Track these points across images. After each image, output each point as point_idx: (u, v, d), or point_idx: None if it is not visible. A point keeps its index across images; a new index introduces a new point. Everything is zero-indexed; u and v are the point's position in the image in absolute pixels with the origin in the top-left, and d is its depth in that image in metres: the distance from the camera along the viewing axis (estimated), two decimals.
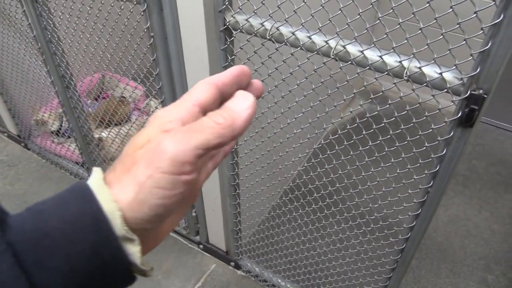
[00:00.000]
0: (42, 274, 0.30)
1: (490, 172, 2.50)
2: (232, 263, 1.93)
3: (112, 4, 1.31)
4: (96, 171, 0.35)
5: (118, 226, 0.32)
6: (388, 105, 0.97)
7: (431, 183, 1.04)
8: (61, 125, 2.35)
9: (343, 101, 1.03)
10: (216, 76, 0.39)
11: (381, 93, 0.96)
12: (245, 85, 0.42)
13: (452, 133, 0.92)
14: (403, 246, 1.23)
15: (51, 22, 1.60)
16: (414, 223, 1.15)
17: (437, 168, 1.00)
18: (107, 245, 0.32)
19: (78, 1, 1.42)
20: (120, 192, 0.33)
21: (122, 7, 1.29)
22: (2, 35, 1.99)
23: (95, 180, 0.34)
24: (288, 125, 1.20)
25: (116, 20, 1.35)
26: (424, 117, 0.94)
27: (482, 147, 2.66)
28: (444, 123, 0.92)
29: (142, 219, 0.33)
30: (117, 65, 1.57)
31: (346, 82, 0.98)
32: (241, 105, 0.37)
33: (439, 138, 0.95)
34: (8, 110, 2.45)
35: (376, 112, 1.00)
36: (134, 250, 0.33)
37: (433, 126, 0.95)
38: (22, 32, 1.92)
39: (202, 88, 0.38)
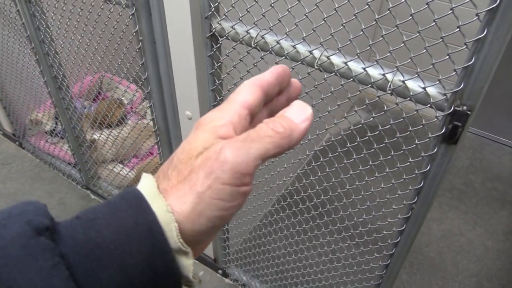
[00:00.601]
0: (95, 286, 0.29)
1: (486, 187, 2.46)
2: (220, 271, 1.91)
3: (102, 7, 1.30)
4: (148, 178, 0.34)
5: (174, 238, 0.31)
6: (372, 118, 0.95)
7: (415, 199, 1.01)
8: (55, 126, 2.34)
9: (326, 113, 1.01)
10: (261, 76, 0.39)
11: (365, 106, 0.94)
12: (286, 85, 0.41)
13: (436, 149, 0.90)
14: (388, 261, 1.20)
15: (43, 23, 1.59)
16: (399, 239, 1.13)
17: (421, 184, 0.98)
18: (161, 258, 0.31)
19: (69, 2, 1.42)
20: (177, 202, 0.32)
21: (112, 10, 1.28)
22: None
23: (149, 188, 0.33)
24: None
25: (106, 23, 1.34)
26: (408, 132, 0.92)
27: (479, 161, 2.63)
28: (428, 139, 0.90)
29: (199, 231, 0.32)
30: (108, 67, 1.56)
31: (330, 94, 0.97)
32: (300, 115, 0.36)
33: (423, 154, 0.93)
34: (3, 108, 2.45)
35: (360, 126, 0.98)
36: (187, 263, 0.32)
37: (417, 141, 0.93)
38: (17, 31, 1.92)
39: (248, 90, 0.37)
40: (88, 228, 0.30)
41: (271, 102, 0.41)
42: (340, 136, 1.05)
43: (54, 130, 2.35)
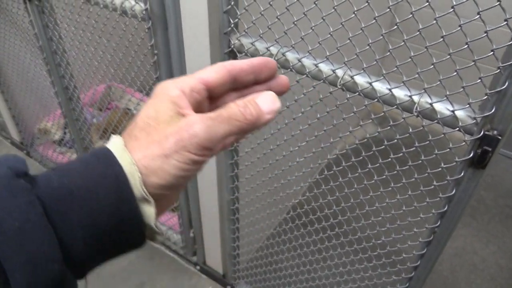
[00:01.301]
0: (66, 227, 0.32)
1: (499, 204, 2.42)
2: (229, 287, 1.87)
3: (117, 19, 1.29)
4: (117, 137, 0.37)
5: (138, 187, 0.35)
6: (396, 140, 0.92)
7: (438, 223, 0.98)
8: (64, 135, 2.32)
9: (348, 132, 0.99)
10: (233, 61, 0.41)
11: (389, 127, 0.92)
12: (264, 78, 0.43)
13: (462, 174, 0.87)
14: (406, 285, 1.17)
15: (56, 33, 1.58)
16: (419, 262, 1.09)
17: (445, 209, 0.95)
18: (125, 204, 0.34)
19: (84, 14, 1.40)
20: (147, 159, 0.35)
21: (127, 23, 1.27)
22: (9, 42, 1.98)
23: (117, 145, 0.36)
24: (290, 153, 1.15)
25: (121, 36, 1.33)
26: (434, 155, 0.89)
27: (491, 177, 2.59)
28: (455, 163, 0.87)
29: (164, 185, 0.35)
30: (121, 80, 1.54)
31: (353, 114, 0.94)
32: (269, 106, 0.38)
33: (448, 178, 0.90)
34: (12, 117, 2.43)
35: (383, 147, 0.95)
36: (150, 212, 0.36)
37: (442, 164, 0.90)
38: (29, 41, 1.91)
39: (213, 69, 0.40)
40: (62, 177, 0.34)
41: (246, 90, 0.43)
42: (361, 157, 1.02)
43: (62, 139, 2.34)
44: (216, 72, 0.39)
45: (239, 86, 0.42)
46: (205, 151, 0.36)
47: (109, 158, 0.35)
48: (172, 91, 0.38)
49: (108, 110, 2.57)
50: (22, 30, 1.89)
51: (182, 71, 1.23)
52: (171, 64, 1.24)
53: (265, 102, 0.38)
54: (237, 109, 0.37)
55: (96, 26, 1.39)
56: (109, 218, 0.34)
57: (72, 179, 0.34)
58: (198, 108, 0.40)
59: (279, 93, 0.43)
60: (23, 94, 2.26)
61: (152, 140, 0.36)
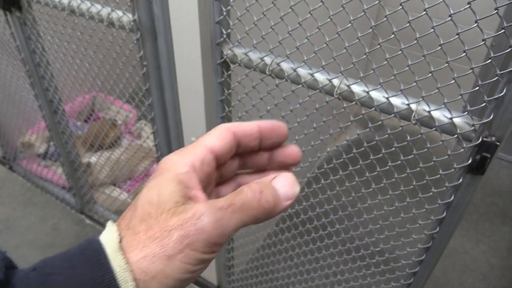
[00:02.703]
0: None
1: (486, 203, 2.46)
2: None
3: (104, 31, 1.26)
4: (111, 229, 0.32)
5: None
6: (393, 148, 0.92)
7: (437, 229, 0.98)
8: (48, 148, 2.27)
9: (345, 142, 0.98)
10: (239, 124, 0.36)
11: (387, 135, 0.91)
12: (272, 142, 0.38)
13: (461, 180, 0.87)
14: None
15: (40, 46, 1.54)
16: (418, 268, 1.09)
17: (444, 215, 0.94)
18: None
19: (68, 26, 1.37)
20: (146, 261, 0.30)
21: (115, 34, 1.24)
22: None
23: (110, 241, 0.31)
24: None
25: (108, 47, 1.30)
26: (432, 162, 0.89)
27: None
28: (453, 169, 0.87)
29: None
30: (108, 91, 1.51)
31: (350, 123, 0.93)
32: (288, 193, 0.34)
33: (447, 184, 0.90)
34: None
35: (381, 155, 0.95)
36: None
37: (441, 171, 0.90)
38: (10, 54, 1.86)
39: (219, 134, 0.35)
40: (43, 284, 0.29)
41: (250, 155, 0.39)
42: (359, 166, 1.01)
43: (47, 153, 2.28)
44: (222, 139, 0.35)
45: (242, 151, 0.37)
46: (215, 248, 0.31)
47: (99, 260, 0.30)
48: (180, 168, 0.33)
49: (94, 121, 2.52)
50: (2, 43, 1.84)
51: (173, 83, 1.21)
52: (161, 75, 1.21)
53: (283, 186, 0.34)
54: (252, 195, 0.32)
55: (81, 37, 1.36)
56: None
57: (53, 285, 0.29)
58: (207, 181, 0.35)
59: (286, 166, 0.39)
60: (5, 108, 2.20)
61: (153, 235, 0.31)
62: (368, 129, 0.93)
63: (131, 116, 2.58)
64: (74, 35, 1.37)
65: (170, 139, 1.38)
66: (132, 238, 0.31)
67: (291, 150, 0.39)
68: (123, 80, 1.36)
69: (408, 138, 0.88)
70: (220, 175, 0.38)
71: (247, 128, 0.36)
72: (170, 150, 1.41)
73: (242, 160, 0.39)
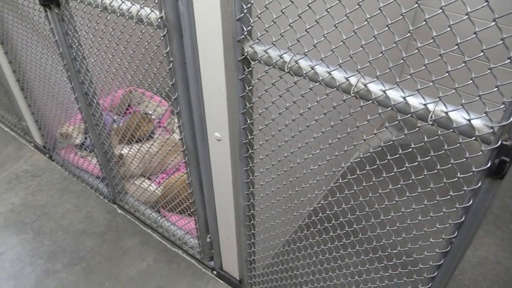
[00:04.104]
0: None
1: None
2: None
3: (133, 27, 1.30)
4: None
5: None
6: (411, 149, 0.90)
7: (456, 233, 0.96)
8: (84, 139, 2.37)
9: (362, 141, 0.97)
10: None
11: (404, 135, 0.90)
12: None
13: (480, 184, 0.85)
14: None
15: (76, 41, 1.61)
16: (436, 273, 1.07)
17: (463, 219, 0.92)
18: None
19: (101, 22, 1.43)
20: None
21: (143, 31, 1.28)
22: (31, 49, 2.03)
23: None
24: (305, 160, 1.14)
25: (137, 43, 1.34)
26: (450, 164, 0.87)
27: None
28: (472, 173, 0.85)
29: None
30: (139, 84, 1.56)
31: (366, 122, 0.93)
32: None
33: (465, 188, 0.87)
34: (35, 121, 2.49)
35: (398, 155, 0.93)
36: None
37: (459, 174, 0.87)
38: (50, 48, 1.95)
39: None
40: None
41: None
42: (376, 166, 1.00)
43: (83, 144, 2.38)
44: None
45: None
46: None
47: None
48: None
49: (128, 114, 2.61)
50: (43, 38, 1.94)
51: (197, 78, 1.24)
52: (186, 71, 1.24)
53: None
54: None
55: (113, 33, 1.41)
56: None
57: None
58: None
59: None
60: (45, 100, 2.31)
61: None
62: (385, 129, 0.92)
63: (166, 110, 2.65)
64: (107, 31, 1.43)
65: (194, 133, 1.41)
66: None
67: None
68: (151, 75, 1.40)
69: (426, 139, 0.87)
70: None
71: None
72: (195, 144, 1.44)
73: None
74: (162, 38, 1.20)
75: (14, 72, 2.25)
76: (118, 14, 1.28)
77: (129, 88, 2.61)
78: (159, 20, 1.17)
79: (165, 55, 1.23)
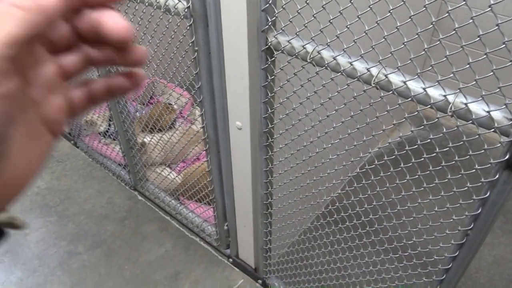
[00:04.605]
0: None
1: None
2: (260, 281, 1.90)
3: (161, 17, 1.34)
4: None
5: None
6: (429, 140, 0.92)
7: (472, 225, 0.97)
8: (108, 127, 2.43)
9: (382, 131, 0.99)
10: None
11: (422, 126, 0.91)
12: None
13: (497, 176, 0.86)
14: (437, 287, 1.15)
15: None
16: (451, 265, 1.08)
17: (479, 211, 0.93)
18: None
19: (130, 12, 1.47)
20: None
21: (170, 20, 1.32)
22: None
23: None
24: (324, 150, 1.17)
25: (164, 32, 1.38)
26: (468, 156, 0.88)
27: None
28: (490, 165, 0.86)
29: None
30: (163, 74, 1.60)
31: (386, 113, 0.94)
32: None
33: (482, 180, 0.89)
34: None
35: (416, 146, 0.95)
36: None
37: (477, 166, 0.88)
38: None
39: None
40: None
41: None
42: (394, 156, 1.02)
43: (107, 131, 2.45)
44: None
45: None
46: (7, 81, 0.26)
47: None
48: None
49: (151, 104, 2.66)
50: None
51: (221, 67, 1.27)
52: (210, 60, 1.28)
53: None
54: (5, 5, 0.26)
55: (141, 23, 1.46)
56: None
57: None
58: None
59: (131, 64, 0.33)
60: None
61: None
62: (404, 119, 0.93)
63: (188, 101, 2.70)
64: (135, 20, 1.47)
65: (216, 122, 1.44)
66: None
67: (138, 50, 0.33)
68: (176, 64, 1.44)
69: (444, 130, 0.88)
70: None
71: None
72: (216, 133, 1.47)
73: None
74: (188, 27, 1.23)
75: None
76: (146, 4, 1.32)
77: (152, 79, 2.67)
78: (186, 10, 1.21)
79: (190, 44, 1.27)
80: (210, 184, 1.69)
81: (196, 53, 1.27)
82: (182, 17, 1.25)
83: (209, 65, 1.30)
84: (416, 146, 0.95)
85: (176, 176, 2.18)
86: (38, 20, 0.26)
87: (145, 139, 2.20)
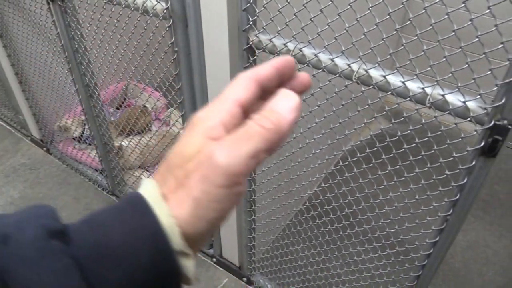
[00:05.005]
0: (103, 287, 0.31)
1: None
2: (245, 279, 1.92)
3: (138, 18, 1.34)
4: (149, 182, 0.35)
5: (176, 242, 0.32)
6: (409, 131, 0.96)
7: (451, 211, 1.02)
8: (83, 132, 2.39)
9: (363, 124, 1.03)
10: (257, 69, 0.37)
11: (402, 118, 0.95)
12: (288, 77, 0.39)
13: (474, 162, 0.91)
14: (419, 273, 1.20)
15: (78, 33, 1.64)
16: (432, 250, 1.13)
17: (457, 197, 0.98)
18: (164, 260, 0.32)
19: (106, 14, 1.46)
20: (177, 207, 0.33)
21: (148, 22, 1.32)
22: (31, 42, 2.05)
23: (151, 193, 0.34)
24: (306, 145, 1.20)
25: (142, 34, 1.38)
26: (446, 145, 0.93)
27: (504, 172, 2.60)
28: (466, 152, 0.91)
29: (199, 233, 0.33)
30: (141, 76, 1.60)
31: (367, 106, 0.98)
32: (287, 106, 0.35)
33: (460, 167, 0.93)
34: (33, 115, 2.51)
35: (397, 138, 0.99)
36: (188, 264, 0.34)
37: (454, 154, 0.93)
38: (51, 41, 1.98)
39: (242, 85, 0.36)
40: (97, 233, 0.32)
41: (270, 95, 0.38)
42: (376, 148, 1.06)
43: (81, 136, 2.40)
44: (247, 89, 0.36)
45: (265, 93, 0.38)
46: (236, 178, 0.32)
47: (145, 208, 0.33)
48: (209, 122, 0.34)
49: (126, 108, 2.63)
50: (44, 30, 1.96)
51: (202, 68, 1.28)
52: (190, 61, 1.29)
53: (281, 104, 0.35)
54: (254, 123, 0.33)
55: (117, 25, 1.45)
56: (147, 275, 0.32)
57: (107, 234, 0.32)
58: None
59: (301, 92, 0.40)
60: (44, 93, 2.33)
61: (179, 182, 0.33)
62: (384, 112, 0.97)
63: (162, 103, 2.68)
64: (111, 22, 1.46)
65: None
66: (164, 189, 0.34)
67: (302, 77, 0.40)
68: (155, 66, 1.44)
69: (423, 121, 0.92)
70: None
71: (267, 72, 0.37)
72: None
73: (262, 100, 0.39)
74: (167, 29, 1.24)
75: (12, 65, 2.26)
76: (123, 5, 1.32)
77: (125, 83, 2.64)
78: (164, 11, 1.21)
79: (169, 45, 1.27)
80: None
81: (175, 54, 1.28)
82: (160, 18, 1.25)
83: (190, 66, 1.30)
84: (397, 137, 0.99)
85: None
86: (275, 138, 0.33)
87: (122, 143, 2.18)
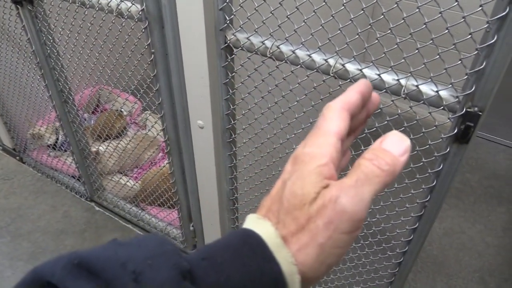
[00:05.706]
0: None
1: (483, 185, 2.53)
2: None
3: (113, 21, 1.33)
4: (266, 224, 0.35)
5: None
6: (386, 122, 0.99)
7: (428, 197, 1.06)
8: (57, 139, 2.35)
9: None
10: (345, 98, 0.38)
11: (379, 110, 0.98)
12: (367, 100, 0.41)
13: (448, 149, 0.95)
14: (401, 259, 1.24)
15: (50, 38, 1.61)
16: (412, 236, 1.17)
17: (434, 183, 1.02)
18: None
19: (79, 18, 1.44)
20: (300, 253, 0.33)
21: (124, 24, 1.31)
22: (0, 49, 2.00)
23: (270, 235, 0.34)
24: (287, 140, 1.22)
25: (117, 37, 1.37)
26: (422, 134, 0.96)
27: (475, 160, 2.70)
28: (441, 139, 0.95)
29: (317, 277, 0.33)
30: (117, 80, 1.59)
31: None
32: (399, 148, 0.35)
33: (436, 154, 0.97)
34: (4, 123, 2.45)
35: (374, 129, 1.02)
36: None
37: (430, 142, 0.97)
38: (21, 47, 1.93)
39: (339, 117, 0.37)
40: (218, 272, 0.32)
41: (354, 121, 0.41)
42: (355, 140, 1.08)
43: (56, 143, 2.36)
44: (343, 121, 0.36)
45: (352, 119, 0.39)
46: (358, 224, 0.32)
47: (265, 253, 0.33)
48: (319, 160, 0.35)
49: (102, 112, 2.60)
50: (14, 36, 1.92)
51: (179, 68, 1.29)
52: (168, 61, 1.29)
53: (393, 144, 0.35)
54: (371, 164, 0.34)
55: (91, 28, 1.43)
56: None
57: (227, 275, 0.32)
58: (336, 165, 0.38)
59: (374, 111, 0.42)
60: (15, 100, 2.27)
61: (301, 226, 0.33)
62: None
63: (136, 107, 2.66)
64: (84, 26, 1.45)
65: (177, 123, 1.45)
66: (284, 231, 0.34)
67: (374, 98, 0.41)
68: (131, 68, 1.43)
69: (399, 111, 0.96)
70: (342, 152, 0.41)
71: (354, 99, 0.38)
72: (177, 134, 1.48)
73: (351, 129, 0.41)
74: (143, 30, 1.23)
75: None
76: (97, 8, 1.31)
77: (97, 87, 2.61)
78: (140, 13, 1.21)
79: (146, 47, 1.27)
80: (173, 187, 1.70)
81: (152, 56, 1.28)
82: (136, 20, 1.25)
83: (167, 67, 1.31)
84: (374, 128, 1.03)
85: (134, 184, 2.15)
86: (389, 180, 0.34)
87: (99, 148, 2.16)
